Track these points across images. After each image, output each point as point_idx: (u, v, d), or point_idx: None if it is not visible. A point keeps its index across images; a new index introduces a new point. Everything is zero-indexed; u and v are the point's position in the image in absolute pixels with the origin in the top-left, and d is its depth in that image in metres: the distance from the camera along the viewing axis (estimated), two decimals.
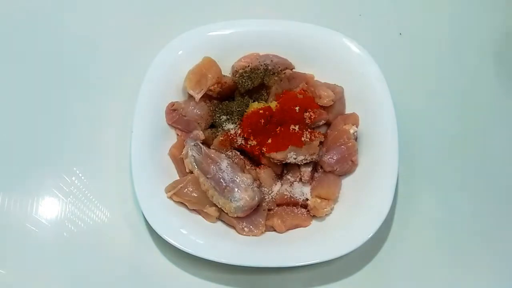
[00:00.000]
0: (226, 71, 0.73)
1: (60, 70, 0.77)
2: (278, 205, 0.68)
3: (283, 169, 0.70)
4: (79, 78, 0.77)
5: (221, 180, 0.65)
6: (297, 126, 0.68)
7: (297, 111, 0.68)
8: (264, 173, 0.68)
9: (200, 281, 0.66)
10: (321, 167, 0.69)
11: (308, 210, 0.68)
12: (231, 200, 0.65)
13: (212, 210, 0.66)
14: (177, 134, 0.71)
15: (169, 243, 0.63)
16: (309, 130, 0.68)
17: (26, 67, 0.77)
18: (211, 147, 0.69)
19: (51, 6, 0.81)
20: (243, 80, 0.71)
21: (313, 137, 0.68)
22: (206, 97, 0.71)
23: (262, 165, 0.69)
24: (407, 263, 0.68)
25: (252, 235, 0.66)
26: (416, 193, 0.71)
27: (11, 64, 0.77)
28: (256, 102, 0.70)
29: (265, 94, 0.72)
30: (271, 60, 0.72)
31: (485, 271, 0.68)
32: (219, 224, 0.67)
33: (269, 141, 0.67)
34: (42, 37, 0.79)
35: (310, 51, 0.73)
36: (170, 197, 0.66)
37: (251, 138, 0.68)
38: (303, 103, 0.69)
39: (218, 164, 0.66)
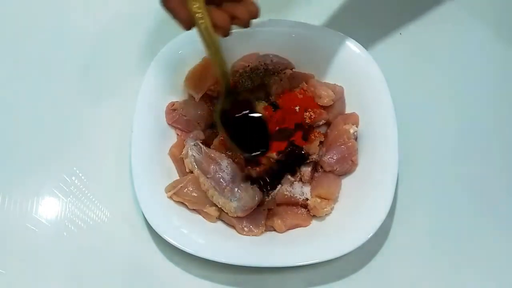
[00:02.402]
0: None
1: (60, 70, 0.77)
2: (278, 205, 0.68)
3: None
4: (79, 78, 0.76)
5: (221, 180, 0.65)
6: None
7: (297, 111, 0.68)
8: (264, 173, 0.68)
9: (200, 281, 0.66)
10: (321, 167, 0.69)
11: (308, 210, 0.68)
12: (231, 200, 0.65)
13: (212, 210, 0.66)
14: (177, 134, 0.71)
15: (169, 243, 0.63)
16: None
17: (25, 67, 0.77)
18: (211, 147, 0.69)
19: (50, 6, 0.81)
20: (243, 80, 0.71)
21: (313, 137, 0.68)
22: (206, 97, 0.71)
23: (262, 165, 0.69)
24: (407, 263, 0.68)
25: (252, 235, 0.66)
26: (416, 192, 0.71)
27: (10, 64, 0.77)
28: (256, 102, 0.70)
29: (265, 94, 0.72)
30: (271, 60, 0.72)
31: (486, 271, 0.68)
32: (219, 224, 0.67)
33: None
34: (41, 37, 0.79)
35: (310, 51, 0.72)
36: (170, 197, 0.66)
37: None
38: (303, 103, 0.69)
39: (218, 164, 0.66)
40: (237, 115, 0.61)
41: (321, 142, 0.68)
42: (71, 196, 0.70)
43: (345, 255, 0.63)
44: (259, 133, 0.62)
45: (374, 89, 0.70)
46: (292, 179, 0.69)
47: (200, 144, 0.68)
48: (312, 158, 0.68)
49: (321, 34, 0.73)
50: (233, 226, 0.67)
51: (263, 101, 0.71)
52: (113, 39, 0.79)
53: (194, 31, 0.72)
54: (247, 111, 0.61)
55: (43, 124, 0.74)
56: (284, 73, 0.72)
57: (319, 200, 0.67)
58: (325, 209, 0.66)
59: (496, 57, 0.80)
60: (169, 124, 0.71)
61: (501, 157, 0.74)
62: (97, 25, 0.80)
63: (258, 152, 0.62)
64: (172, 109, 0.70)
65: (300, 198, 0.68)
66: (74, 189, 0.70)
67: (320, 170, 0.70)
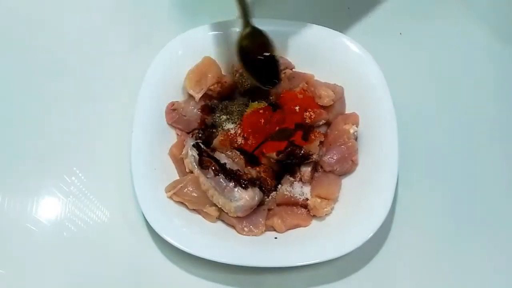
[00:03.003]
0: (226, 71, 0.73)
1: (60, 70, 0.77)
2: (278, 205, 0.68)
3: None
4: (79, 78, 0.77)
5: (221, 179, 0.65)
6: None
7: (297, 111, 0.68)
8: (264, 173, 0.68)
9: (200, 281, 0.66)
10: (321, 167, 0.69)
11: (308, 210, 0.68)
12: (231, 200, 0.65)
13: (212, 210, 0.66)
14: (177, 134, 0.71)
15: (169, 243, 0.63)
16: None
17: (26, 67, 0.77)
18: (211, 147, 0.69)
19: (50, 6, 0.81)
20: (243, 80, 0.71)
21: (313, 137, 0.68)
22: (206, 97, 0.71)
23: (262, 165, 0.69)
24: (407, 263, 0.68)
25: (252, 235, 0.66)
26: (416, 192, 0.71)
27: (10, 64, 0.77)
28: (256, 102, 0.70)
29: (265, 94, 0.72)
30: None
31: (486, 271, 0.68)
32: (219, 224, 0.67)
33: None
34: (41, 37, 0.79)
35: (310, 51, 0.72)
36: (170, 197, 0.66)
37: (251, 138, 0.68)
38: (303, 103, 0.69)
39: (218, 164, 0.66)
40: (255, 53, 0.68)
41: (321, 142, 0.68)
42: (71, 196, 0.70)
43: (345, 255, 0.63)
44: (271, 69, 0.69)
45: (374, 89, 0.70)
46: (292, 179, 0.69)
47: (200, 144, 0.68)
48: (312, 158, 0.68)
49: (321, 34, 0.73)
50: (233, 226, 0.67)
51: (263, 101, 0.71)
52: (113, 39, 0.79)
53: (193, 32, 0.73)
54: (264, 51, 0.68)
55: (43, 124, 0.74)
56: (284, 73, 0.72)
57: (319, 200, 0.67)
58: (325, 209, 0.66)
59: (496, 57, 0.80)
60: (169, 124, 0.71)
61: (501, 156, 0.74)
62: (98, 25, 0.80)
63: (272, 84, 0.69)
64: (172, 109, 0.70)
65: (300, 198, 0.68)
66: (74, 189, 0.70)
67: (320, 170, 0.70)
